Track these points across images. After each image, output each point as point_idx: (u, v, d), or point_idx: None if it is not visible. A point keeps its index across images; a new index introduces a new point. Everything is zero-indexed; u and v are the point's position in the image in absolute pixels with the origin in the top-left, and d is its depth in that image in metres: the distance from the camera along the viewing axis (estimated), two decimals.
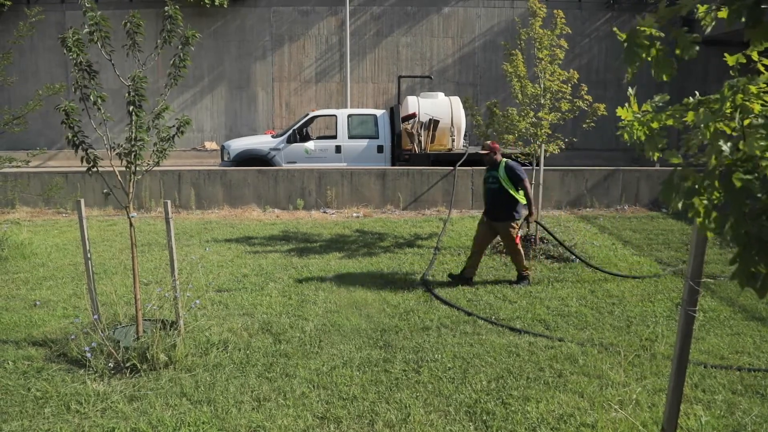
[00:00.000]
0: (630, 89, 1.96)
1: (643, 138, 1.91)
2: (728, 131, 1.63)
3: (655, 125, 1.85)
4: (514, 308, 5.76)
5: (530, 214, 6.52)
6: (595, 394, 3.98)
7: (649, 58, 1.75)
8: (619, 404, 3.82)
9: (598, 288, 6.41)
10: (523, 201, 6.42)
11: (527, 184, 6.40)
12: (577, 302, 5.95)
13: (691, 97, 1.79)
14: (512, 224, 6.38)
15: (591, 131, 7.75)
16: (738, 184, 1.54)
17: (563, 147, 7.94)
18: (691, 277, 2.51)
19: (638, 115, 1.86)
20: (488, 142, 6.55)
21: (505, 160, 6.48)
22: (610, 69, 19.55)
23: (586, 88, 7.67)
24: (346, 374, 4.30)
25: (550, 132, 7.66)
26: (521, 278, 6.55)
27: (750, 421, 3.64)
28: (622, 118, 1.94)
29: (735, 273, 1.58)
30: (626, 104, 1.96)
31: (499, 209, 6.45)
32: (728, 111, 1.62)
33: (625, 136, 1.92)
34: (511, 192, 6.33)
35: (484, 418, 3.70)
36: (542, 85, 7.65)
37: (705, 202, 1.64)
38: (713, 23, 1.70)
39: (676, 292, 6.27)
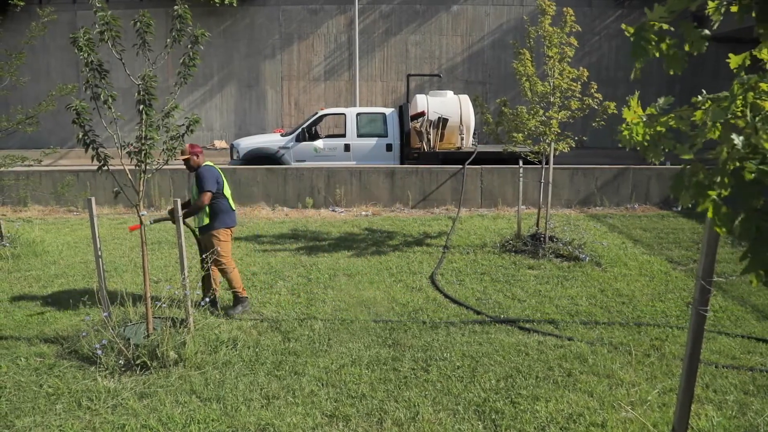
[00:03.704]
0: (630, 98, 1.92)
1: (639, 142, 1.87)
2: (741, 124, 1.60)
3: (659, 128, 1.82)
4: (523, 307, 5.74)
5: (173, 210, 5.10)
6: (604, 394, 3.96)
7: (657, 54, 1.72)
8: (629, 404, 3.80)
9: (608, 287, 6.37)
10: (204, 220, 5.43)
11: (205, 198, 5.33)
12: (587, 301, 5.92)
13: (699, 96, 1.77)
14: (213, 233, 5.46)
15: (601, 129, 7.70)
16: (749, 176, 1.51)
17: (573, 145, 7.90)
18: (702, 276, 2.49)
19: (644, 119, 1.84)
20: (187, 145, 5.44)
21: (203, 165, 5.52)
22: (621, 67, 19.41)
23: (595, 86, 7.61)
24: (355, 372, 4.31)
25: (559, 131, 7.62)
26: (237, 300, 5.61)
27: (762, 422, 3.61)
28: (627, 120, 1.90)
29: (746, 269, 1.56)
30: (626, 106, 1.92)
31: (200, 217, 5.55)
32: (739, 110, 1.60)
33: (625, 133, 1.88)
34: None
35: (493, 417, 3.69)
36: (552, 84, 7.60)
37: (715, 197, 1.61)
38: (720, 18, 1.68)
39: (687, 291, 6.22)
